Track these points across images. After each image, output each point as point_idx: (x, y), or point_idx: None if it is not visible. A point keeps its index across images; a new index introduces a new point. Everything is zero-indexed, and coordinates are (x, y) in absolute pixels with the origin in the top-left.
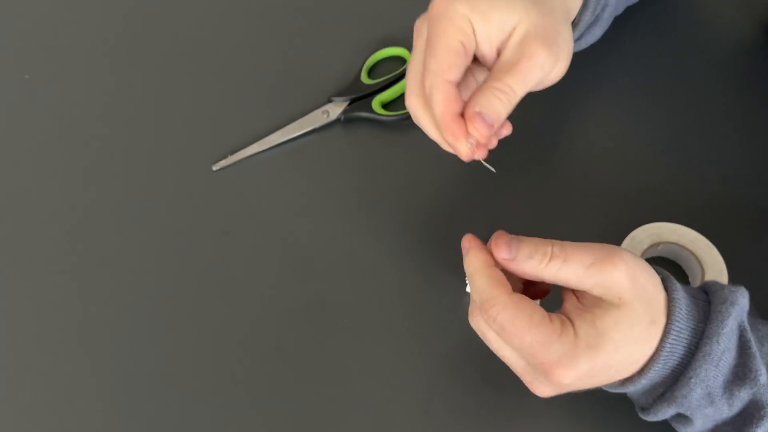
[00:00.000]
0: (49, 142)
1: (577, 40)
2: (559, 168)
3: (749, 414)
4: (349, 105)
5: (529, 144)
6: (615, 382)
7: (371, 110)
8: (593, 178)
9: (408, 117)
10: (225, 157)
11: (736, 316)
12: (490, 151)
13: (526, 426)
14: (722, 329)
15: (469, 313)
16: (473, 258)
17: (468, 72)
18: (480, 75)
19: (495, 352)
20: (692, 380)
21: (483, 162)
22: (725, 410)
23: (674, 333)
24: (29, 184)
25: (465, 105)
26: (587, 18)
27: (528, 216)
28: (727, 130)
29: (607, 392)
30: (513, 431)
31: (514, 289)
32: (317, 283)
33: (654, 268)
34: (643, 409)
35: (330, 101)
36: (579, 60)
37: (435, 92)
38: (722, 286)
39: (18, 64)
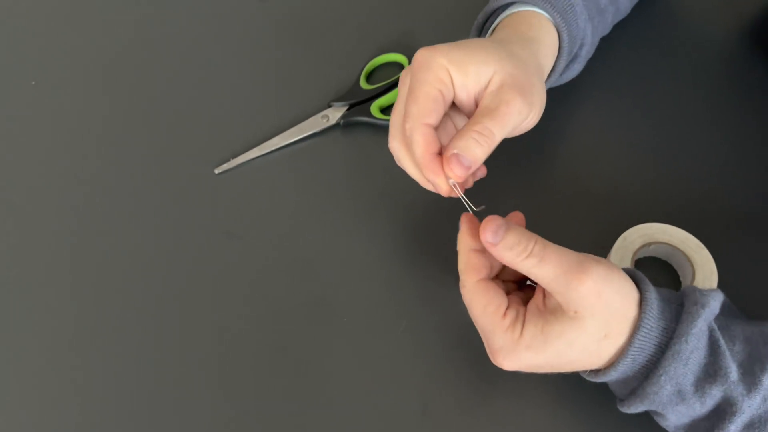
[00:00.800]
0: (55, 146)
1: (558, 76)
2: (552, 170)
3: (722, 411)
4: (348, 110)
5: (523, 146)
6: (588, 372)
7: (370, 115)
8: (586, 180)
9: None
10: (227, 160)
11: (706, 317)
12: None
13: (523, 423)
14: (691, 329)
15: (461, 284)
16: (460, 239)
17: (447, 117)
18: (459, 120)
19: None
20: (662, 378)
21: (464, 200)
22: (697, 407)
23: (644, 330)
24: (34, 187)
25: (444, 147)
26: (561, 65)
27: (524, 215)
28: (717, 132)
29: (600, 391)
30: (510, 428)
31: (494, 268)
32: (317, 283)
33: (631, 272)
34: (621, 401)
35: (329, 106)
36: None
37: (415, 134)
38: (696, 290)
39: (25, 71)
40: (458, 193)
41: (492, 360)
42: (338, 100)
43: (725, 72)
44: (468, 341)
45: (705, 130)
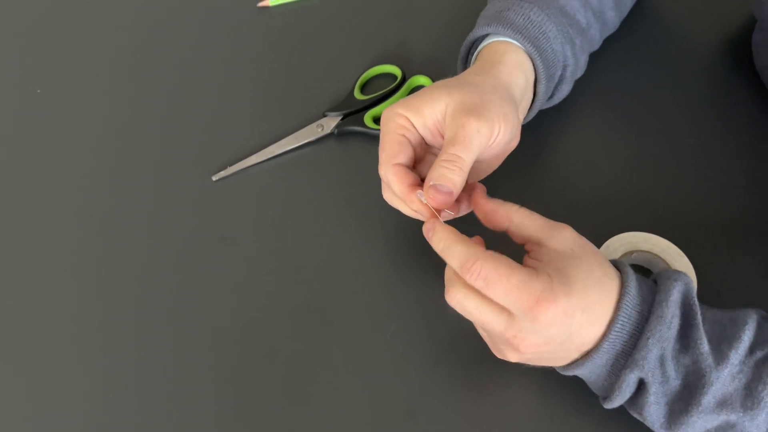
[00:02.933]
0: (57, 154)
1: (548, 99)
2: (537, 179)
3: (692, 384)
4: (342, 119)
5: (510, 156)
6: (576, 361)
7: (363, 124)
8: (571, 189)
9: None
10: (224, 168)
11: (679, 288)
12: None
13: (509, 428)
14: (669, 297)
15: (446, 292)
16: (442, 232)
17: (429, 154)
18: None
19: (475, 319)
20: (650, 340)
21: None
22: (672, 376)
23: (628, 298)
24: (36, 193)
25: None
26: (542, 89)
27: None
28: (699, 144)
29: (586, 394)
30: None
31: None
32: (310, 287)
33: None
34: (605, 398)
35: (324, 116)
36: None
37: (388, 175)
38: (668, 269)
39: (30, 80)
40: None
41: (531, 314)
42: (333, 110)
43: (708, 84)
44: (456, 346)
45: (687, 142)
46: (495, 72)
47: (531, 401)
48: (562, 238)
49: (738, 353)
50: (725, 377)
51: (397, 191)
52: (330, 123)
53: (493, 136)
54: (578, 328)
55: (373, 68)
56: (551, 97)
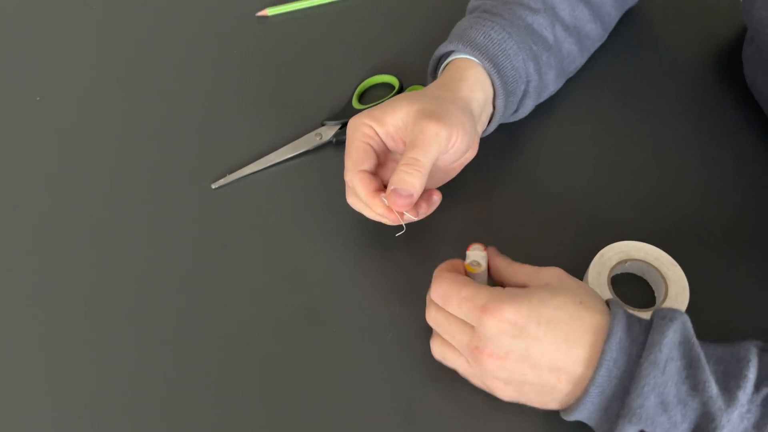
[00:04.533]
0: (57, 162)
1: (513, 113)
2: (533, 190)
3: (702, 428)
4: (340, 128)
5: (506, 166)
6: (571, 405)
7: None
8: (566, 199)
9: None
10: (224, 176)
11: (676, 329)
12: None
13: None
14: (664, 339)
15: (426, 312)
16: (445, 266)
17: (391, 160)
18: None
19: (445, 332)
20: (645, 388)
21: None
22: (678, 419)
23: (613, 339)
24: (36, 200)
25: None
26: (500, 103)
27: (504, 232)
28: (690, 155)
29: None
30: None
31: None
32: (308, 294)
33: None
34: None
35: (323, 125)
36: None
37: (354, 182)
38: (664, 308)
39: (30, 87)
40: (399, 218)
41: (481, 321)
42: (331, 119)
43: (699, 96)
44: None
45: (679, 153)
46: (455, 87)
47: (530, 409)
48: (543, 276)
49: (746, 393)
50: (735, 419)
51: (362, 196)
52: (328, 132)
53: (451, 141)
54: (533, 342)
55: (371, 78)
56: (516, 111)
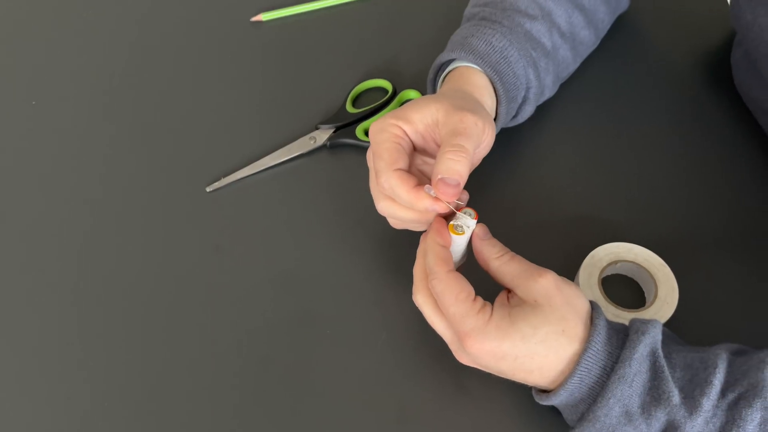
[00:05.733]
0: (52, 164)
1: (512, 118)
2: (525, 191)
3: None
4: (334, 132)
5: (497, 169)
6: (541, 394)
7: (355, 137)
8: (557, 201)
9: None
10: (218, 179)
11: (647, 343)
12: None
13: None
14: (634, 354)
15: (413, 291)
16: (431, 235)
17: (413, 165)
18: (424, 166)
19: (431, 324)
20: (611, 400)
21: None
22: (644, 429)
23: (591, 352)
24: (31, 202)
25: (421, 182)
26: (503, 110)
27: (495, 234)
28: (680, 158)
29: None
30: None
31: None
32: (302, 297)
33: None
34: (572, 429)
35: (317, 128)
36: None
37: (391, 181)
38: (638, 320)
39: (25, 92)
40: (450, 207)
41: (462, 345)
42: (325, 122)
43: (689, 100)
44: (446, 354)
45: (668, 156)
46: (469, 93)
47: (520, 408)
48: (532, 289)
49: (710, 399)
50: (699, 425)
51: (403, 194)
52: (322, 135)
53: (486, 134)
54: (510, 366)
55: (365, 82)
56: (515, 116)
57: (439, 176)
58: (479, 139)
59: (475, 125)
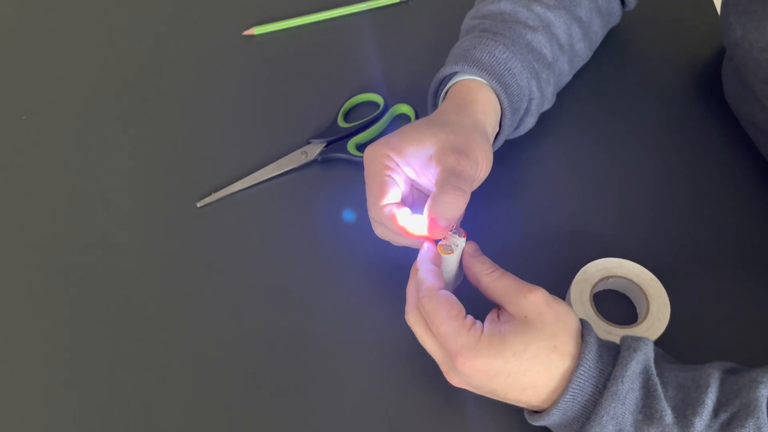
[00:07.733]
0: (42, 179)
1: (514, 130)
2: (516, 206)
3: None
4: (326, 146)
5: (494, 184)
6: (533, 415)
7: (346, 152)
8: (549, 217)
9: None
10: (209, 194)
11: (638, 360)
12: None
13: None
14: (626, 371)
15: (405, 310)
16: (422, 257)
17: (414, 188)
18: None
19: (422, 344)
20: (604, 418)
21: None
22: None
23: (583, 369)
24: (20, 217)
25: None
26: (507, 123)
27: (487, 249)
28: (671, 173)
29: None
30: None
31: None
32: (293, 313)
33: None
34: None
35: (308, 143)
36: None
37: (380, 216)
38: (630, 338)
39: (16, 106)
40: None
41: (453, 365)
42: (317, 137)
43: (680, 114)
44: (436, 371)
45: (659, 171)
46: (470, 111)
47: (512, 424)
48: (522, 305)
49: (703, 419)
50: None
51: (393, 227)
52: (314, 150)
53: (479, 175)
54: (501, 385)
55: (356, 96)
56: (517, 128)
57: (433, 216)
58: (474, 178)
59: (471, 168)
